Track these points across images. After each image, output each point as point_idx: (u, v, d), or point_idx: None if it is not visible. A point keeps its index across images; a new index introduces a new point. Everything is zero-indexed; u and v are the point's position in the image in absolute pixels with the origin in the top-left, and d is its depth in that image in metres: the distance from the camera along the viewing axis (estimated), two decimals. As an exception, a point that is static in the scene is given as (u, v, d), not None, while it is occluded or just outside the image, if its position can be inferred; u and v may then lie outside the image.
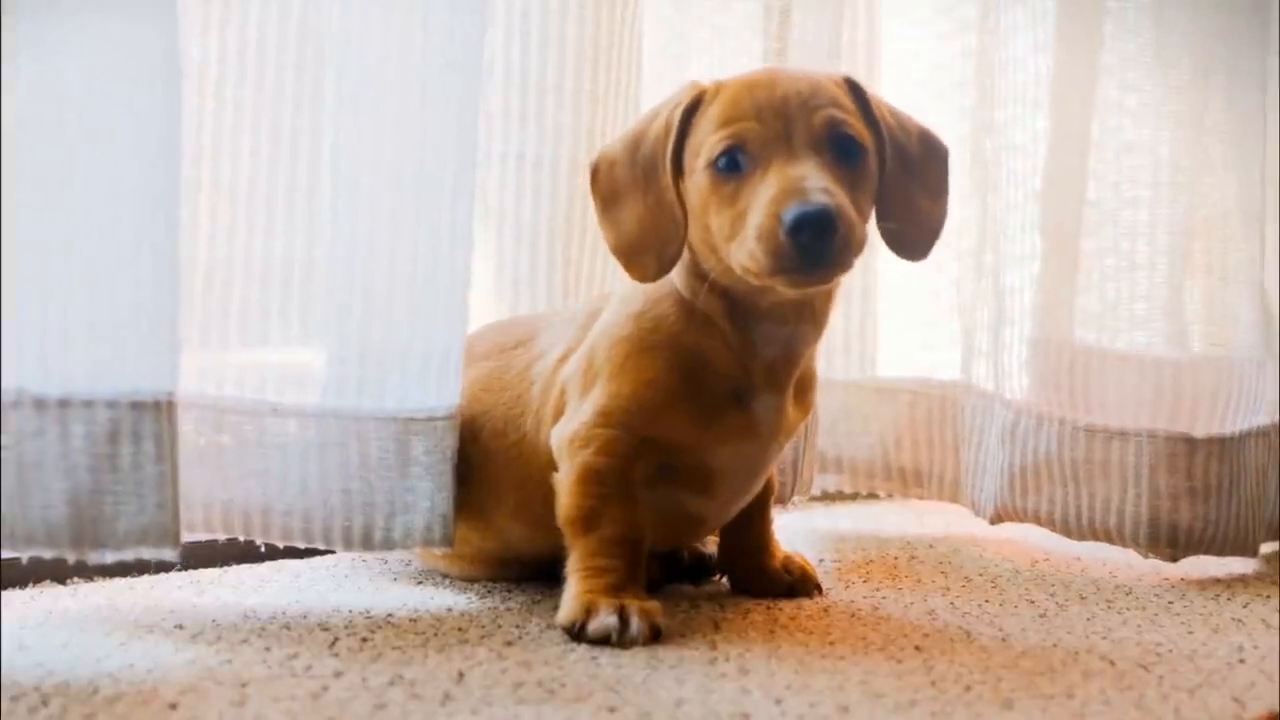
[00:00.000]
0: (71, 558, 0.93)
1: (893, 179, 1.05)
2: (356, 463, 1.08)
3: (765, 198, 0.95)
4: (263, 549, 1.18)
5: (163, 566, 1.18)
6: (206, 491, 1.08)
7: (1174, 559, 1.34)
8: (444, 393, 1.10)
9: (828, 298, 1.07)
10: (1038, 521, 1.39)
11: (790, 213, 0.93)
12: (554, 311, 1.24)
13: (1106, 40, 1.39)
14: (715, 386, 1.05)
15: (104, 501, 0.93)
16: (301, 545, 1.10)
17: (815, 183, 0.95)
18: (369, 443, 1.08)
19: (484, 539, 1.16)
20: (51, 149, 0.92)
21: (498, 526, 1.14)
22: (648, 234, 1.04)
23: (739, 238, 0.97)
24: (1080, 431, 1.36)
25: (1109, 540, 1.36)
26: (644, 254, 1.04)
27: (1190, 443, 1.33)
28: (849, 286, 1.54)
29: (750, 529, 1.18)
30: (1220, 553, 1.34)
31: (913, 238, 1.07)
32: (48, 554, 0.93)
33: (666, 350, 1.05)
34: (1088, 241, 1.40)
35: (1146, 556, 1.35)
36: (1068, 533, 1.38)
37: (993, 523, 1.43)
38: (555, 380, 1.10)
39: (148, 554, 0.95)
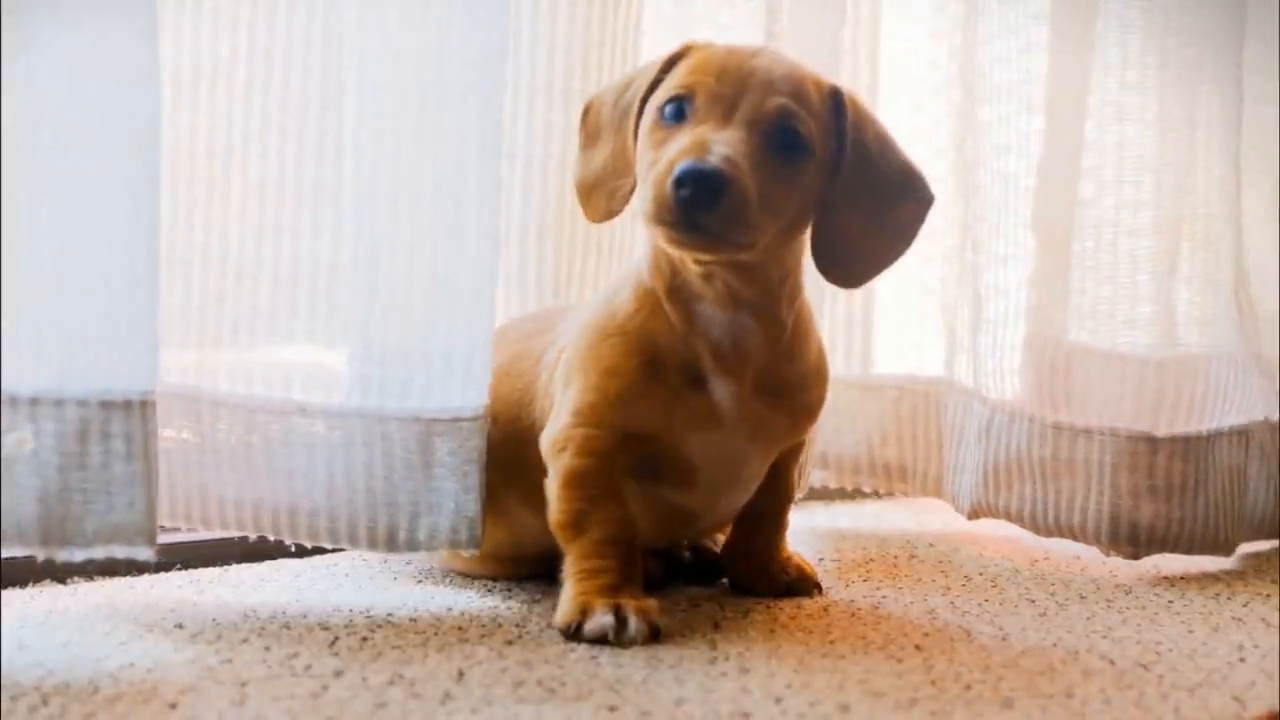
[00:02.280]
0: (41, 555, 0.93)
1: (844, 197, 1.03)
2: (380, 463, 1.08)
3: (674, 148, 0.96)
4: (292, 547, 1.16)
5: (162, 566, 1.18)
6: (236, 490, 1.09)
7: (1135, 557, 1.33)
8: (469, 393, 1.09)
9: (764, 292, 1.05)
10: (1009, 518, 1.39)
11: (681, 165, 0.94)
12: (579, 304, 1.24)
13: (1099, 41, 1.38)
14: (670, 370, 1.04)
15: (72, 500, 0.93)
16: (329, 546, 1.11)
17: (720, 148, 0.95)
18: (393, 443, 1.08)
19: (495, 527, 1.15)
20: (28, 148, 0.91)
21: (509, 512, 1.14)
22: (606, 174, 1.07)
23: (645, 182, 0.98)
24: (1049, 429, 1.36)
25: (1073, 538, 1.35)
26: (598, 192, 1.07)
27: (1152, 441, 1.32)
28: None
29: (761, 531, 1.18)
30: (1188, 551, 1.33)
31: (845, 263, 1.06)
32: (18, 551, 0.93)
33: (623, 336, 1.05)
34: (1077, 241, 1.40)
35: (1108, 554, 1.34)
36: (1035, 529, 1.37)
37: (970, 518, 1.43)
38: (554, 376, 1.10)
39: (119, 552, 0.94)
